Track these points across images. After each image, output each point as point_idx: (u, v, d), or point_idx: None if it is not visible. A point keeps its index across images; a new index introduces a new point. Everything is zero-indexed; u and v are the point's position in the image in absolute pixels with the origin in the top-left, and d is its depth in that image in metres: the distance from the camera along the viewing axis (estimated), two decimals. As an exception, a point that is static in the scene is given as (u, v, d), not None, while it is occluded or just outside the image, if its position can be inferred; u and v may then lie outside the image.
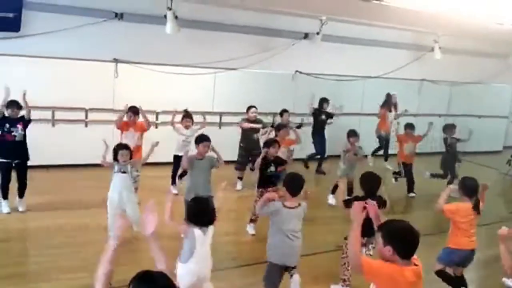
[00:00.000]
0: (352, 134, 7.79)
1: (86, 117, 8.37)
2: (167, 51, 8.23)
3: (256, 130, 8.28)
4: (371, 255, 4.65)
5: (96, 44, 7.79)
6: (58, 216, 6.39)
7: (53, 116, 8.08)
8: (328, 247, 5.82)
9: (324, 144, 9.56)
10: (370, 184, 4.80)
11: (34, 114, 7.81)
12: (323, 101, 9.55)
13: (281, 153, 6.87)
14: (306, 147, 9.30)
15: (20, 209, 6.41)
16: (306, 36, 9.42)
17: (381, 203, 4.72)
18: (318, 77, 9.73)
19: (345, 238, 4.74)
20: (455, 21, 6.97)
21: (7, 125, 6.22)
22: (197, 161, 5.78)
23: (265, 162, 6.17)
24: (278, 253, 4.32)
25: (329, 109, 9.51)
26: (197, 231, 3.87)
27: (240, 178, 8.27)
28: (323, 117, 9.48)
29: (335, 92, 10.22)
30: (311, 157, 9.57)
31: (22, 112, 6.34)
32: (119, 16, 7.85)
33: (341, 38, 9.62)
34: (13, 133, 6.25)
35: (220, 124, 9.45)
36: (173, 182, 7.61)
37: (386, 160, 10.44)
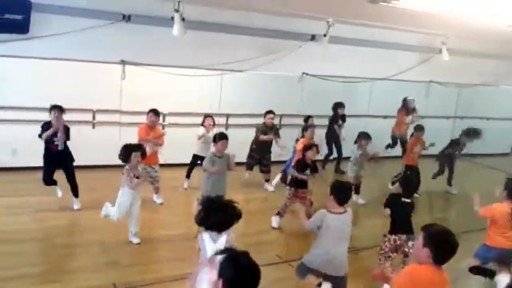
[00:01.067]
0: (365, 136, 7.96)
1: (94, 118, 8.40)
2: (174, 53, 8.25)
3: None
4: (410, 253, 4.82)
5: (103, 45, 7.82)
6: (61, 217, 6.43)
7: (60, 117, 8.11)
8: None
9: (340, 145, 9.88)
10: (411, 184, 5.38)
11: (41, 116, 7.90)
12: (338, 105, 9.61)
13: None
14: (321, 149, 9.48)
15: (75, 207, 6.61)
16: (313, 38, 9.40)
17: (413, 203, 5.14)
18: (325, 79, 9.70)
19: (385, 235, 5.07)
20: (463, 23, 6.92)
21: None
22: (216, 158, 5.89)
23: (302, 164, 6.34)
24: (323, 259, 4.31)
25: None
26: (205, 235, 3.50)
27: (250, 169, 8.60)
28: (340, 122, 9.76)
29: (342, 94, 10.20)
30: (326, 159, 9.83)
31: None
32: (126, 18, 7.87)
33: (348, 40, 9.58)
34: (55, 142, 6.37)
35: (227, 126, 9.45)
36: (187, 176, 7.99)
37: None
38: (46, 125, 6.36)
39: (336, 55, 9.52)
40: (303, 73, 9.73)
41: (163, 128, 8.71)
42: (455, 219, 7.73)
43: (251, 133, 8.62)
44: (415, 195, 8.66)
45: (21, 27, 7.17)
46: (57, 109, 6.35)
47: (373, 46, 9.96)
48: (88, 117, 8.34)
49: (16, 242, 5.58)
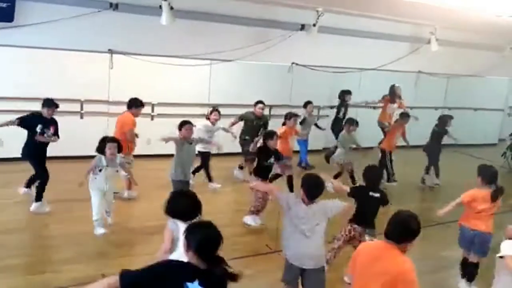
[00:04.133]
0: (352, 122, 8.35)
1: (82, 108, 8.31)
2: (163, 42, 8.16)
3: (263, 127, 8.45)
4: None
5: (90, 34, 7.71)
6: (51, 208, 6.37)
7: (47, 107, 8.01)
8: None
9: None
10: (372, 176, 5.08)
11: (28, 106, 7.81)
12: (345, 93, 9.67)
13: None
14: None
15: (31, 209, 6.32)
16: (302, 27, 9.36)
17: (384, 198, 4.98)
18: (314, 69, 9.69)
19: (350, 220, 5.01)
20: (452, 13, 6.93)
21: (40, 126, 6.17)
22: (185, 143, 6.08)
23: (265, 153, 6.26)
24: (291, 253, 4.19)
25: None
26: (181, 224, 3.50)
27: (241, 168, 8.54)
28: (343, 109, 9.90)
29: (331, 84, 10.20)
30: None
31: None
32: (114, 6, 7.75)
33: (337, 30, 9.56)
34: (45, 135, 6.23)
35: (216, 116, 9.41)
36: (209, 179, 7.85)
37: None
38: (37, 118, 6.20)
39: (326, 45, 9.50)
40: (293, 63, 9.70)
41: (152, 119, 8.68)
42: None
43: (240, 123, 8.59)
44: (392, 183, 8.86)
45: (6, 15, 7.04)
46: (54, 106, 6.28)
47: (363, 36, 9.94)
48: (76, 107, 8.26)
49: (2, 233, 5.53)
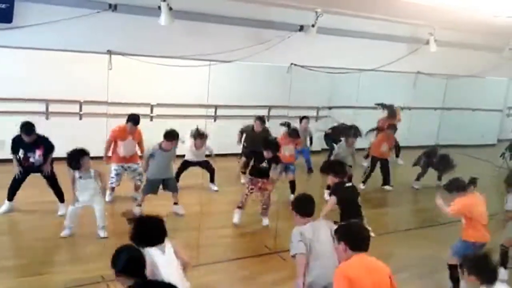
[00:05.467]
0: (350, 134, 8.26)
1: (81, 109, 8.30)
2: (162, 42, 8.14)
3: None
4: None
5: (89, 35, 7.69)
6: (50, 209, 6.36)
7: (47, 108, 8.01)
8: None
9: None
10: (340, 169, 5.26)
11: (27, 107, 7.81)
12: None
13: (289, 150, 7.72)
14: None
15: (59, 212, 6.30)
16: (301, 28, 9.35)
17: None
18: (313, 70, 9.68)
19: (335, 222, 4.83)
20: (451, 14, 6.93)
21: (22, 151, 5.93)
22: (161, 151, 6.35)
23: (261, 157, 6.47)
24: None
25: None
26: (152, 250, 3.40)
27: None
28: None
29: (330, 85, 10.20)
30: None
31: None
32: (112, 7, 7.73)
33: (336, 31, 9.54)
34: (30, 159, 5.99)
35: (215, 117, 9.41)
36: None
37: (397, 156, 10.48)
38: (16, 140, 5.94)
39: (325, 46, 9.49)
40: (292, 63, 9.69)
41: (150, 120, 8.67)
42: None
43: (239, 124, 8.59)
44: (387, 187, 8.84)
45: (5, 16, 7.02)
46: (31, 131, 5.87)
47: (361, 37, 9.92)
48: (75, 108, 8.25)
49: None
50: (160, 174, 6.58)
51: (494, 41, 10.64)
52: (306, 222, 3.92)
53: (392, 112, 9.92)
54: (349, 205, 5.08)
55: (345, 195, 5.10)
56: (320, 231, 3.86)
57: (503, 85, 13.48)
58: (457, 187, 5.06)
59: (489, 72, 11.81)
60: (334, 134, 9.53)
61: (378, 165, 8.93)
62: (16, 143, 5.94)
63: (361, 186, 8.53)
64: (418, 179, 9.25)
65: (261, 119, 8.39)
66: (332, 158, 8.39)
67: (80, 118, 8.34)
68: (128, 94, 8.34)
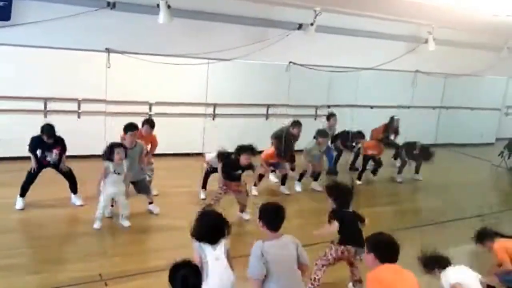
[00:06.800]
0: (323, 134, 8.01)
1: (79, 108, 8.29)
2: (160, 41, 8.16)
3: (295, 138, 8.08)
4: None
5: (88, 33, 7.70)
6: (49, 208, 6.36)
7: (45, 107, 7.99)
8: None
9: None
10: (345, 196, 4.71)
11: (26, 105, 7.79)
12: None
13: None
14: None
15: (77, 203, 6.40)
16: (300, 27, 9.36)
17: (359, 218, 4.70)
18: (312, 68, 9.69)
19: (332, 242, 4.65)
20: (449, 13, 6.94)
21: (39, 151, 6.11)
22: (129, 150, 5.96)
23: (234, 164, 6.28)
24: None
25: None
26: (204, 244, 3.53)
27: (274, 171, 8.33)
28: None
29: (329, 83, 10.19)
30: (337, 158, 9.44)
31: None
32: (111, 5, 7.74)
33: (335, 29, 9.57)
34: (47, 158, 6.15)
35: (214, 116, 9.41)
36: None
37: (395, 158, 10.45)
38: (36, 141, 6.10)
39: (323, 44, 9.50)
40: (290, 62, 9.70)
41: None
42: (439, 208, 7.81)
43: (238, 123, 8.58)
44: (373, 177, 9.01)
45: (3, 14, 7.03)
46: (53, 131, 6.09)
47: (360, 36, 9.96)
48: (73, 106, 8.23)
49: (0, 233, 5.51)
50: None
51: (492, 40, 10.67)
52: (273, 237, 3.61)
53: (391, 122, 9.65)
54: (350, 232, 4.61)
55: (346, 223, 4.59)
56: (284, 250, 3.61)
57: (502, 84, 13.49)
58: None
59: (488, 71, 11.86)
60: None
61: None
62: (35, 143, 6.10)
63: (358, 182, 8.65)
64: (400, 172, 9.27)
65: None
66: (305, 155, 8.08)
67: (79, 117, 8.32)
68: (127, 92, 8.32)
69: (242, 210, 6.55)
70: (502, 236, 4.77)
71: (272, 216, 3.66)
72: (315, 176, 8.10)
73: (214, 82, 9.28)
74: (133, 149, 6.16)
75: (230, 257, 3.66)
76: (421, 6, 6.46)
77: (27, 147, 6.12)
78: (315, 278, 4.53)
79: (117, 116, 7.96)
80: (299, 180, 8.02)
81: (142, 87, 8.48)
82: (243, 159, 6.21)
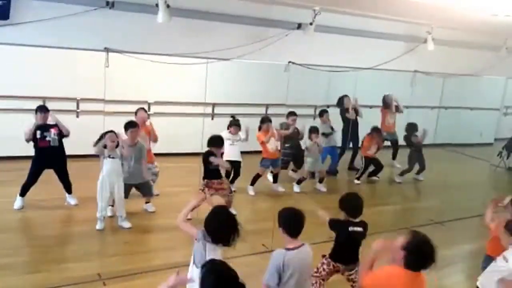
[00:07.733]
0: (314, 130, 8.33)
1: (78, 107, 8.27)
2: (159, 40, 8.12)
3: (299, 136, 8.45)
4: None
5: (86, 32, 7.65)
6: (47, 208, 6.35)
7: (43, 106, 7.97)
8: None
9: (357, 138, 9.68)
10: (352, 207, 4.35)
11: (25, 105, 7.77)
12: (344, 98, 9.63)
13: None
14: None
15: (72, 203, 6.48)
16: (299, 26, 9.34)
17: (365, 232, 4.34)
18: (311, 68, 9.68)
19: (323, 256, 4.47)
20: (448, 12, 6.93)
21: (39, 132, 6.16)
22: (129, 147, 6.05)
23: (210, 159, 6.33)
24: None
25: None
26: (209, 244, 3.43)
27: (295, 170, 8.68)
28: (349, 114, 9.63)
29: (328, 83, 10.18)
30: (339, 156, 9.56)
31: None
32: (110, 4, 7.71)
33: (334, 29, 9.53)
34: (46, 138, 6.19)
35: (213, 115, 9.40)
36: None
37: (394, 158, 10.47)
38: (34, 125, 6.20)
39: (322, 44, 9.48)
40: (289, 62, 9.68)
41: (148, 118, 8.63)
42: (438, 208, 7.81)
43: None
44: (375, 178, 9.09)
45: (1, 13, 6.98)
46: (44, 110, 6.26)
47: (360, 35, 9.91)
48: (72, 106, 8.22)
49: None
50: (130, 177, 6.22)
51: (491, 40, 10.66)
52: (295, 246, 3.52)
53: (384, 100, 10.10)
54: (344, 250, 4.39)
55: (345, 237, 4.33)
56: (304, 260, 3.55)
57: (500, 84, 13.50)
58: None
59: (487, 71, 11.84)
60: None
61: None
62: (37, 128, 6.18)
63: (356, 181, 8.78)
64: (402, 175, 9.34)
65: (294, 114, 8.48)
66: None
67: (77, 116, 8.31)
68: (126, 92, 8.31)
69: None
70: None
71: (292, 222, 3.57)
72: (320, 179, 8.19)
73: (212, 82, 9.25)
74: (134, 147, 6.11)
75: None
76: (420, 6, 6.46)
77: (25, 134, 6.12)
78: None
79: (116, 116, 7.94)
80: (298, 183, 8.12)
81: (141, 87, 8.48)
82: (215, 151, 6.30)
